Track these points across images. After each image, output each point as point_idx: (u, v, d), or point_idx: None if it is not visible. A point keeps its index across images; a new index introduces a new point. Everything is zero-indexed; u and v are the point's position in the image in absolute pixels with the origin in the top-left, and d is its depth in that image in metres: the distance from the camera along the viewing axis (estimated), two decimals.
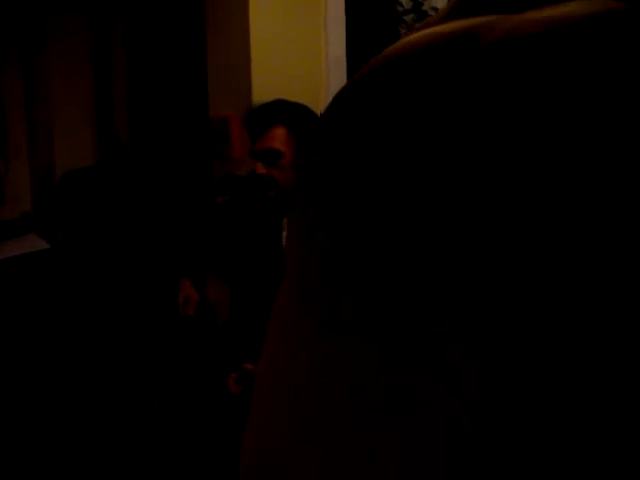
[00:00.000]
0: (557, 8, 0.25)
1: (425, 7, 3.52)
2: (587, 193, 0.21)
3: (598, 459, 0.20)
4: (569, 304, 0.20)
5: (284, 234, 2.56)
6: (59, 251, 3.36)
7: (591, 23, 0.23)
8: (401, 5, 3.57)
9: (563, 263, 0.21)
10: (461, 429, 0.21)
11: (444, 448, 0.21)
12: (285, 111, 2.49)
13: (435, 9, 3.50)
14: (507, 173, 0.22)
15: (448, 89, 0.24)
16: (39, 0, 3.73)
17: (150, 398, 2.74)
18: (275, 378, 0.28)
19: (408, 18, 3.56)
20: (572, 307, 0.20)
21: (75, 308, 3.06)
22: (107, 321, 3.05)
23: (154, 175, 3.89)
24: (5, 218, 3.65)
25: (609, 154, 0.22)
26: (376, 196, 0.24)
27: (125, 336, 3.01)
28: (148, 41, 3.94)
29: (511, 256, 0.21)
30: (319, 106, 3.37)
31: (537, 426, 0.21)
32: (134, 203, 3.46)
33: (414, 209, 0.22)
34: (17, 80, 3.80)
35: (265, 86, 3.08)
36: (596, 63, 0.22)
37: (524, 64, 0.23)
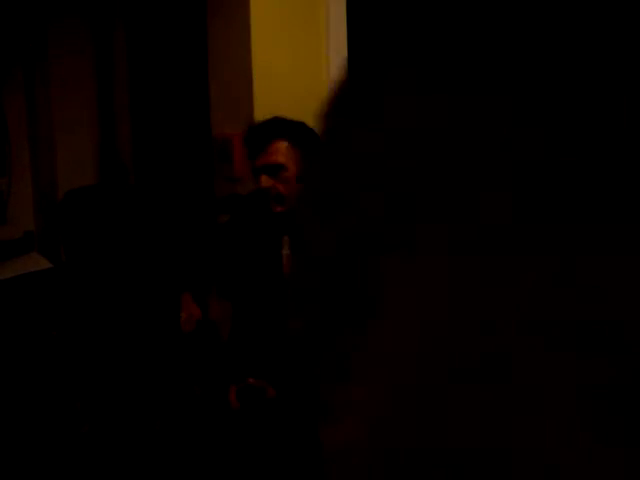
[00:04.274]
0: None
1: None
2: None
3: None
4: None
5: (284, 252, 2.54)
6: (61, 270, 3.36)
7: None
8: None
9: None
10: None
11: None
12: (285, 126, 2.50)
13: None
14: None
15: None
16: (41, 19, 3.74)
17: (152, 418, 2.73)
18: None
19: None
20: None
21: (77, 326, 3.05)
22: (109, 339, 3.05)
23: (156, 193, 3.89)
24: (8, 237, 3.65)
25: None
26: None
27: (127, 354, 3.00)
28: (150, 61, 3.96)
29: None
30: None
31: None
32: (136, 222, 3.46)
33: None
34: (20, 100, 3.82)
35: (267, 105, 3.08)
36: None
37: None
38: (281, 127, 2.49)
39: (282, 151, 2.45)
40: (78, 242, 3.40)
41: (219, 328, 2.85)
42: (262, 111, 2.95)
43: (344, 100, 0.33)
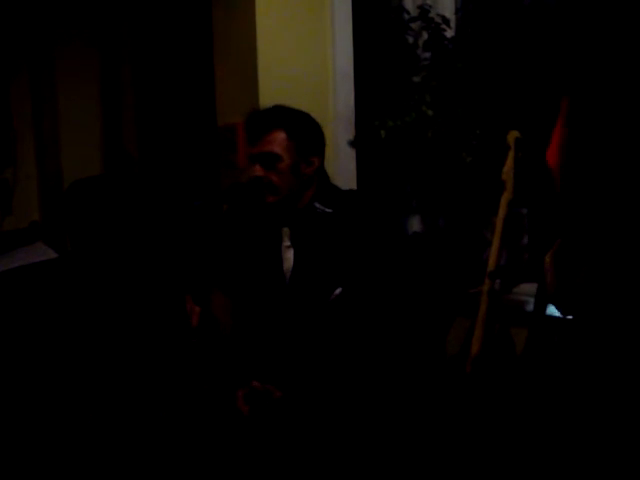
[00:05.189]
0: None
1: (432, 14, 3.52)
2: None
3: None
4: None
5: (284, 244, 2.52)
6: (67, 260, 3.36)
7: None
8: (407, 13, 3.57)
9: None
10: None
11: None
12: (286, 116, 2.47)
13: (442, 16, 3.50)
14: None
15: None
16: (47, 14, 3.74)
17: (157, 408, 2.73)
18: None
19: (415, 25, 3.56)
20: None
21: (82, 317, 3.06)
22: (114, 330, 3.05)
23: (162, 183, 3.90)
24: (13, 227, 3.66)
25: None
26: None
27: (132, 345, 3.01)
28: (155, 51, 3.96)
29: None
30: (327, 114, 3.37)
31: None
32: (142, 212, 3.46)
33: None
34: (25, 91, 3.82)
35: (272, 95, 3.08)
36: None
37: None
38: (281, 117, 2.45)
39: (279, 141, 2.42)
40: (84, 232, 3.40)
41: (221, 324, 2.83)
42: (267, 101, 2.93)
43: None
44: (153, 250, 3.27)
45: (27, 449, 2.67)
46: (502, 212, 2.78)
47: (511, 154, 2.80)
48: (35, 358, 2.90)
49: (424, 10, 3.51)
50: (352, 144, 3.48)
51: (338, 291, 2.39)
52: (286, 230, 2.50)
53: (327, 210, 2.47)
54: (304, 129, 2.48)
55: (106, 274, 3.22)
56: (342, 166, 3.45)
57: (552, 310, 2.84)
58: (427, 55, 3.51)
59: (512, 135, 2.83)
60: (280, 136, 2.43)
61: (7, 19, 3.69)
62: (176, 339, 2.95)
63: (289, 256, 2.50)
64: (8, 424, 2.72)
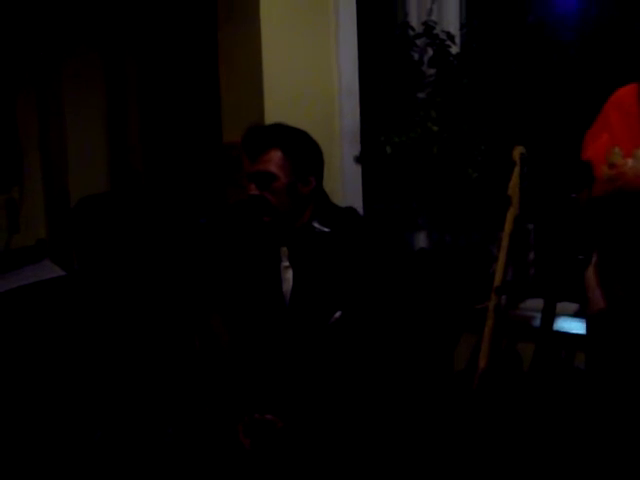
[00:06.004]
0: None
1: (437, 31, 3.53)
2: None
3: None
4: None
5: (283, 264, 2.49)
6: (74, 278, 3.36)
7: None
8: (412, 29, 3.58)
9: None
10: None
11: None
12: (283, 135, 2.43)
13: (446, 32, 3.51)
14: None
15: None
16: (54, 29, 3.76)
17: (164, 425, 2.73)
18: None
19: (420, 42, 3.57)
20: None
21: (90, 335, 3.06)
22: (122, 347, 3.05)
23: (168, 200, 3.90)
24: (20, 245, 3.66)
25: None
26: None
27: (140, 362, 3.01)
28: (161, 69, 3.97)
29: None
30: (333, 130, 3.37)
31: None
32: (149, 229, 3.47)
33: None
34: (31, 108, 3.83)
35: (277, 112, 3.09)
36: None
37: None
38: (278, 136, 2.42)
39: (275, 161, 2.38)
40: (91, 250, 3.41)
41: (223, 342, 2.80)
42: (272, 118, 2.95)
43: None
44: (159, 267, 3.27)
45: (35, 462, 2.67)
46: (508, 227, 2.78)
47: (517, 170, 2.80)
48: (42, 375, 2.90)
49: (429, 26, 3.52)
50: (358, 160, 3.48)
51: (338, 314, 2.35)
52: (284, 250, 2.47)
53: (325, 229, 2.43)
54: (301, 148, 2.44)
55: (112, 291, 3.22)
56: (348, 182, 3.45)
57: (559, 325, 2.83)
58: (432, 71, 3.52)
59: (517, 151, 2.83)
60: (276, 155, 2.39)
61: (13, 34, 3.71)
62: (180, 355, 2.95)
63: (288, 277, 2.46)
64: (19, 436, 2.73)
